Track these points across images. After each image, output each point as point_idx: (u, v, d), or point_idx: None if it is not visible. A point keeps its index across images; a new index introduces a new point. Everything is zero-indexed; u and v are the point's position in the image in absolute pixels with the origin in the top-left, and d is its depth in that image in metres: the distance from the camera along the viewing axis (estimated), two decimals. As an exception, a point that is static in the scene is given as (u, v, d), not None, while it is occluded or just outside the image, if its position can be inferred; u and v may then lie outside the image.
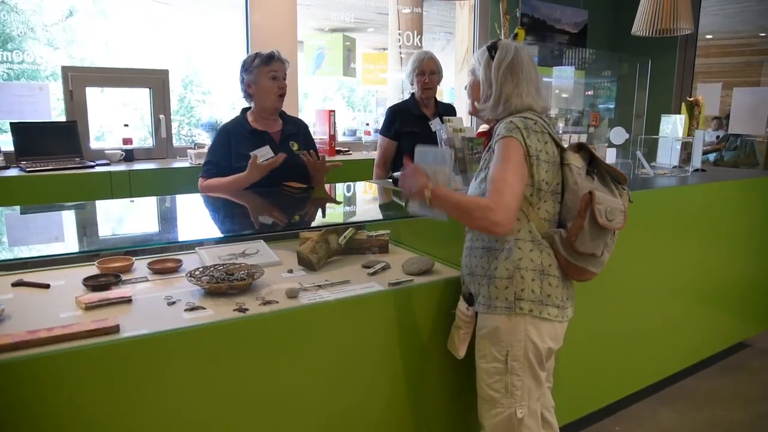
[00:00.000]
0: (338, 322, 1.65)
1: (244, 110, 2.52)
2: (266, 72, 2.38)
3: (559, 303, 1.62)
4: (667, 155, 3.31)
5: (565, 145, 1.68)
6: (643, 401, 2.75)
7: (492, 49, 1.67)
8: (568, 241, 1.58)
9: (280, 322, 1.55)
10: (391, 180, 2.51)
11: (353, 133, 4.56)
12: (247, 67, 2.41)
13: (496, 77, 1.65)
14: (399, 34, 4.62)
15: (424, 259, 1.96)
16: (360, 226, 2.23)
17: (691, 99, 3.33)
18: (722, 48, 7.39)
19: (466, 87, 1.81)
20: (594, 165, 1.67)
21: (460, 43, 4.85)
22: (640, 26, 3.20)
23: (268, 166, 2.27)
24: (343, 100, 8.11)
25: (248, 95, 2.46)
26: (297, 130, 2.58)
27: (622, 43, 5.50)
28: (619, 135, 3.30)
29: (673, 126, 3.32)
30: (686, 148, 3.30)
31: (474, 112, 1.78)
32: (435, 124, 3.01)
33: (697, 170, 3.20)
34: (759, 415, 2.67)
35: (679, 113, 3.36)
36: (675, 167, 3.19)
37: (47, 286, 1.74)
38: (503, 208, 1.48)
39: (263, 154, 2.39)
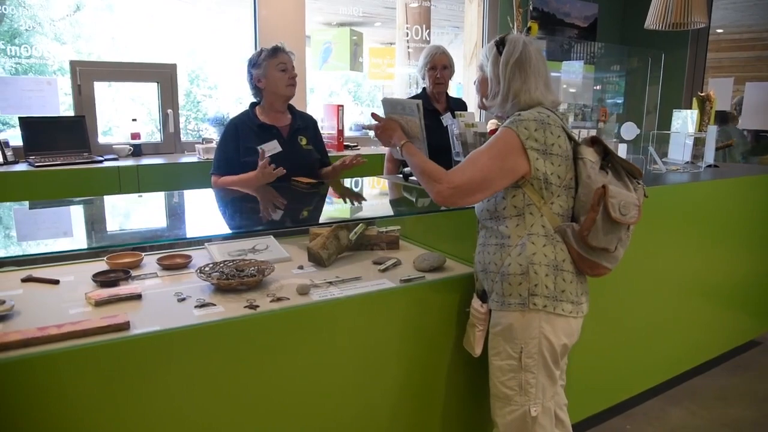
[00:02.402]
0: (350, 319, 1.63)
1: (253, 104, 2.51)
2: (275, 64, 2.38)
3: (573, 299, 1.60)
4: (678, 151, 3.27)
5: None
6: (654, 399, 2.72)
7: (500, 45, 1.65)
8: (580, 235, 1.56)
9: (292, 319, 1.54)
10: (401, 175, 2.49)
11: (360, 128, 4.54)
12: (254, 62, 2.41)
13: (504, 73, 1.63)
14: (407, 29, 4.58)
15: (435, 256, 1.94)
16: (370, 221, 2.22)
17: (702, 94, 3.29)
18: (733, 42, 7.31)
19: (475, 82, 1.79)
20: (608, 159, 1.65)
21: (468, 37, 4.80)
22: (653, 20, 3.15)
23: (275, 174, 2.25)
24: (349, 95, 8.08)
25: (258, 90, 2.45)
26: (306, 124, 2.57)
27: (632, 38, 5.44)
28: (630, 130, 3.26)
29: (684, 121, 3.27)
30: (697, 143, 3.25)
31: (483, 107, 1.77)
32: (446, 119, 2.99)
33: (709, 166, 3.16)
34: (771, 414, 2.65)
35: (690, 108, 3.31)
36: (687, 163, 3.15)
37: (57, 282, 1.73)
38: (453, 184, 1.55)
39: (271, 149, 2.38)
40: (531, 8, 4.54)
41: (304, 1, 3.76)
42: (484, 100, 1.74)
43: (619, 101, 5.63)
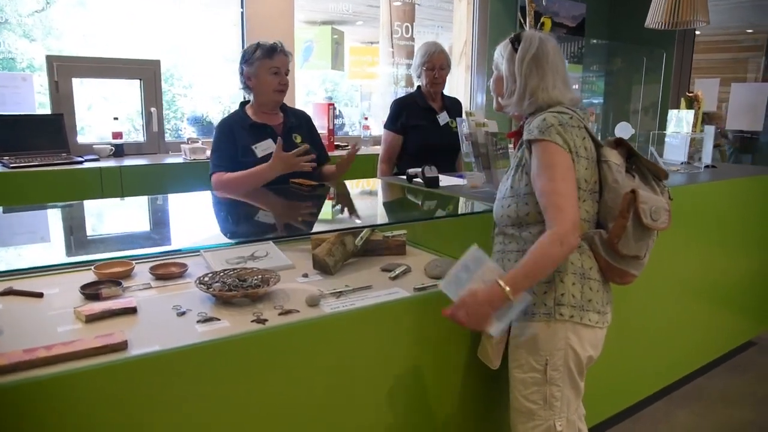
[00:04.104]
0: (366, 331, 1.52)
1: (243, 104, 2.39)
2: (268, 67, 2.25)
3: (599, 308, 1.52)
4: (674, 151, 3.24)
5: None
6: (658, 403, 2.68)
7: (515, 42, 1.57)
8: (609, 242, 1.48)
9: (304, 333, 1.42)
10: (405, 177, 2.39)
11: (341, 127, 4.44)
12: (247, 58, 2.28)
13: (520, 70, 1.54)
14: (397, 26, 4.48)
15: (447, 262, 1.84)
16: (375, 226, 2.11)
17: (690, 94, 3.26)
18: (712, 44, 7.40)
19: (489, 83, 1.71)
20: (633, 161, 1.57)
21: (457, 36, 4.73)
22: (654, 19, 3.09)
23: (298, 162, 2.12)
24: (327, 94, 7.95)
25: (247, 87, 2.33)
26: (299, 122, 2.45)
27: (619, 37, 5.44)
28: (624, 130, 3.22)
29: (678, 120, 3.24)
30: (693, 144, 3.22)
31: (498, 108, 1.68)
32: (443, 118, 2.91)
33: (707, 166, 3.14)
34: (772, 415, 2.63)
35: (678, 108, 3.28)
36: (684, 163, 3.13)
37: (40, 295, 1.58)
38: (565, 229, 1.38)
39: (265, 149, 2.26)
40: (543, 3, 4.37)
41: (292, -2, 3.64)
42: (499, 99, 1.66)
43: (595, 101, 5.62)
